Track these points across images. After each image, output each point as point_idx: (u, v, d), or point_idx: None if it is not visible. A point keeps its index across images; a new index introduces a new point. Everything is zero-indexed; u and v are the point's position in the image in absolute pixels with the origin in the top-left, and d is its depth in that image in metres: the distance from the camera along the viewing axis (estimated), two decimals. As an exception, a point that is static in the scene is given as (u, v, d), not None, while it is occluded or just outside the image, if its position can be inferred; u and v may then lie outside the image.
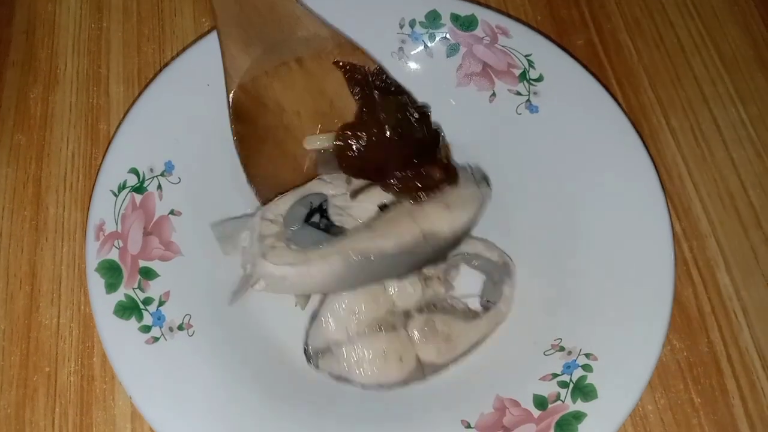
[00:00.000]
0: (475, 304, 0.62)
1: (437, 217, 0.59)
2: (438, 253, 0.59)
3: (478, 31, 0.67)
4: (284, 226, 0.58)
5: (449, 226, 0.58)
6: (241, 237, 0.59)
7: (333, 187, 0.61)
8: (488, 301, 0.61)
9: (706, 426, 0.61)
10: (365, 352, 0.56)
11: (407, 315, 0.59)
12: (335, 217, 0.59)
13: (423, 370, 0.58)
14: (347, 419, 0.56)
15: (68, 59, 0.72)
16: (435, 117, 0.68)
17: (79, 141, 0.69)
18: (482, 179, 0.64)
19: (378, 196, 0.60)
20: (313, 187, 0.61)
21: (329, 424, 0.55)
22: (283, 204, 0.59)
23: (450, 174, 0.62)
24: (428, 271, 0.60)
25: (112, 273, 0.56)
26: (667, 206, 0.60)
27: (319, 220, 0.58)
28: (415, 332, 0.58)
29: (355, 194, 0.60)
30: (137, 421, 0.58)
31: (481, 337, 0.59)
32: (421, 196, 0.59)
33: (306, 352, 0.57)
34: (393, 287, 0.58)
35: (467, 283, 0.63)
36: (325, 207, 0.59)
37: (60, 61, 0.72)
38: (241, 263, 0.59)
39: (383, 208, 0.60)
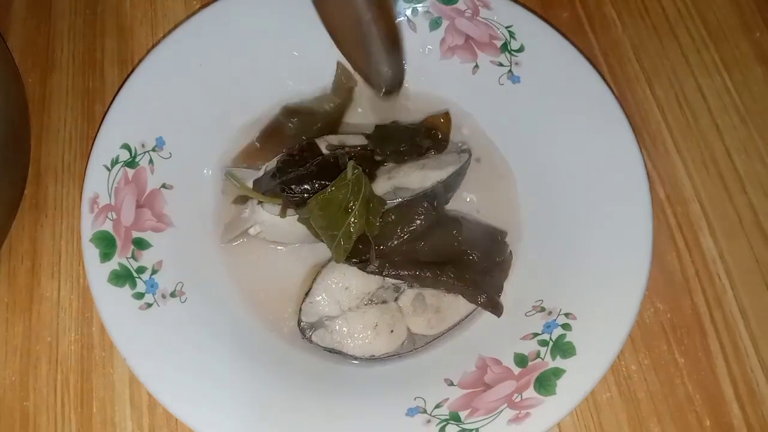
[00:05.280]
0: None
1: (411, 174, 0.61)
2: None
3: (460, 4, 0.68)
4: None
5: (419, 183, 0.61)
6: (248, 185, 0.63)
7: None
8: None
9: (689, 385, 0.62)
10: (357, 325, 0.58)
11: (398, 289, 0.61)
12: None
13: (414, 342, 0.60)
14: (334, 381, 0.58)
15: (65, 44, 0.75)
16: (419, 90, 0.70)
17: (76, 122, 0.71)
18: (465, 151, 0.66)
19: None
20: None
21: (317, 386, 0.57)
22: None
23: (437, 144, 0.65)
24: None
25: (106, 243, 0.58)
26: (645, 169, 0.61)
27: None
28: (406, 305, 0.60)
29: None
30: (135, 385, 0.60)
31: (471, 309, 0.61)
32: (405, 159, 0.63)
33: (300, 326, 0.59)
34: None
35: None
36: None
37: (57, 46, 0.74)
38: (241, 208, 0.63)
39: None
